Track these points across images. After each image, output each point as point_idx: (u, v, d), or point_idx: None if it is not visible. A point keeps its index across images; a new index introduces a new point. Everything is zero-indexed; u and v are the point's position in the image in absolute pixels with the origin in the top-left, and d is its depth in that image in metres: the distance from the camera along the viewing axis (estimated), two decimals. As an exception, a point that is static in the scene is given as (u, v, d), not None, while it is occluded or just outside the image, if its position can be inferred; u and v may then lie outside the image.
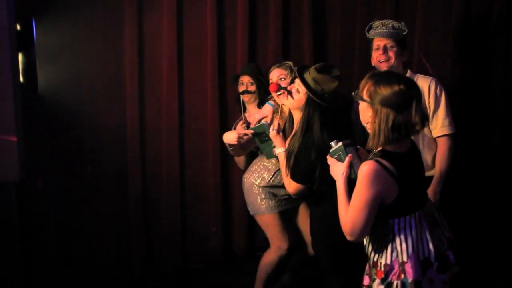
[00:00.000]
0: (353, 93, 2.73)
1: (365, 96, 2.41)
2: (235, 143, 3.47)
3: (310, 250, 3.77)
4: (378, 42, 3.54)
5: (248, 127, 3.76)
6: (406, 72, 3.61)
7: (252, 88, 3.94)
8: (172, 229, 4.60)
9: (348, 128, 3.23)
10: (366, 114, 2.44)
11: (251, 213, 3.76)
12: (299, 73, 3.07)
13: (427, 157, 3.59)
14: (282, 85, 3.29)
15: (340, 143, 2.54)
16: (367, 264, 2.64)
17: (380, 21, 3.57)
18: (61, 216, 4.24)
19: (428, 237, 2.48)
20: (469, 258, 3.01)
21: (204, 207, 4.67)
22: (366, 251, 2.59)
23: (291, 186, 3.16)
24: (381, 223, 2.47)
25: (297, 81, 3.09)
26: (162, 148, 4.52)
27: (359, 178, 2.36)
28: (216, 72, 4.50)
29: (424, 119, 2.38)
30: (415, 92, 2.38)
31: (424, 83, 3.57)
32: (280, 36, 4.57)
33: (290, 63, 3.52)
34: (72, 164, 4.30)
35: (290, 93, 3.13)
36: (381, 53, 3.52)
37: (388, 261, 2.49)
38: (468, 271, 2.84)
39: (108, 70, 4.37)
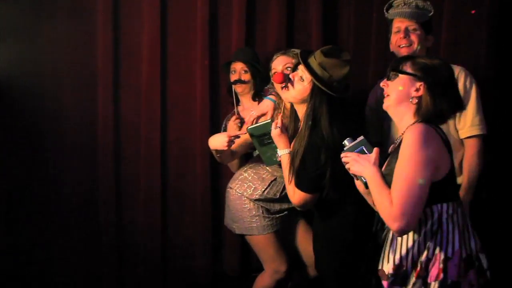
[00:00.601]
0: (387, 73, 2.48)
1: (409, 70, 2.35)
2: (225, 148, 3.21)
3: (312, 271, 3.58)
4: (399, 24, 3.35)
5: (242, 123, 3.55)
6: None
7: (246, 77, 3.67)
8: (151, 244, 4.26)
9: (361, 126, 3.12)
10: (406, 88, 2.35)
11: (237, 231, 3.54)
12: (303, 57, 2.87)
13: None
14: (291, 76, 3.01)
15: (362, 137, 2.40)
16: (388, 264, 2.44)
17: None
18: (13, 228, 4.01)
19: (470, 230, 2.38)
20: (500, 269, 2.79)
21: (189, 218, 4.29)
22: (390, 249, 2.42)
23: (296, 196, 2.93)
24: (424, 209, 2.29)
25: (301, 67, 2.88)
26: (140, 148, 4.19)
27: (406, 143, 2.22)
28: (206, 59, 4.15)
29: (458, 107, 2.36)
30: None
31: None
32: (284, 16, 4.20)
33: (298, 51, 3.17)
34: (29, 166, 4.06)
35: (291, 82, 2.91)
36: (402, 36, 3.31)
37: (430, 256, 2.34)
38: (500, 281, 2.68)
39: (76, 55, 4.09)
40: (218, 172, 4.28)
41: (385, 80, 2.46)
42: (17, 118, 3.98)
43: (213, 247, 4.34)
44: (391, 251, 2.43)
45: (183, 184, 4.30)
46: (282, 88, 3.08)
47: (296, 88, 2.91)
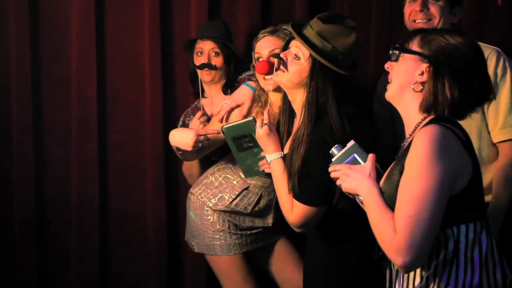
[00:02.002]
0: (390, 52, 2.29)
1: (414, 47, 2.19)
2: (190, 149, 3.05)
3: None
4: None
5: (208, 121, 3.40)
6: None
7: (218, 61, 3.44)
8: (88, 282, 3.91)
9: (372, 124, 3.06)
10: (410, 71, 2.19)
11: (196, 250, 3.41)
12: (295, 29, 2.74)
13: (486, 173, 3.11)
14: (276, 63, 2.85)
15: (352, 142, 2.29)
16: None
17: None
18: None
19: (497, 258, 2.16)
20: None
21: (137, 250, 3.97)
22: (398, 278, 2.26)
23: (296, 212, 2.73)
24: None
25: (294, 43, 2.76)
26: (71, 156, 3.87)
27: (415, 152, 2.04)
28: (158, 39, 3.84)
29: (483, 96, 2.18)
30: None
31: None
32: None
33: (289, 28, 2.97)
34: None
35: (284, 63, 2.76)
36: (418, 9, 3.11)
37: None
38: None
39: None
40: (176, 186, 4.00)
41: (388, 61, 2.30)
42: None
43: (169, 285, 4.01)
44: (397, 284, 2.27)
45: (129, 205, 3.99)
46: (264, 79, 2.99)
47: (291, 70, 2.73)
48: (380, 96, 3.31)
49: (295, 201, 2.75)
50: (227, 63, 3.44)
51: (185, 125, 3.59)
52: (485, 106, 3.11)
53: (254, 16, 3.81)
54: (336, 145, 2.34)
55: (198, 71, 3.45)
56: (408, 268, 2.05)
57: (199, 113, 3.41)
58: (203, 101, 3.53)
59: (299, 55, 2.72)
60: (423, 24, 3.13)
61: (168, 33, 3.87)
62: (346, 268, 2.77)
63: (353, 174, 2.23)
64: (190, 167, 3.65)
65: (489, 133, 3.14)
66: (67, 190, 3.89)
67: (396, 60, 2.27)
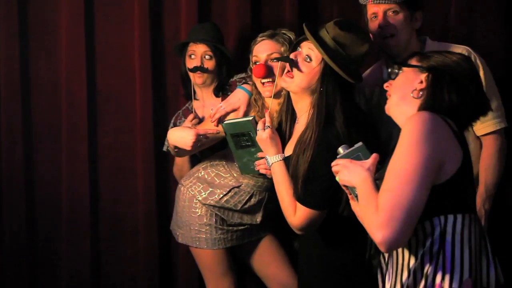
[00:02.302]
0: (389, 69, 2.36)
1: (413, 62, 2.27)
2: (189, 149, 3.07)
3: None
4: (375, 9, 3.15)
5: (200, 123, 3.40)
6: (424, 42, 3.24)
7: (210, 64, 3.42)
8: (79, 283, 3.92)
9: (377, 132, 2.88)
10: (409, 83, 2.23)
11: (180, 240, 3.42)
12: (311, 30, 2.70)
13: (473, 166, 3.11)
14: (278, 69, 2.87)
15: (360, 143, 2.29)
16: None
17: None
18: None
19: (491, 257, 2.18)
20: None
21: (128, 252, 3.96)
22: (387, 273, 2.27)
23: (299, 215, 2.73)
24: (421, 223, 2.10)
25: (306, 44, 2.72)
26: (61, 157, 3.88)
27: (404, 133, 2.08)
28: (147, 41, 3.83)
29: (480, 109, 2.24)
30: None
31: None
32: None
33: (290, 33, 3.06)
34: None
35: (295, 64, 2.70)
36: (382, 24, 3.10)
37: (429, 286, 2.11)
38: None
39: None
40: (167, 186, 3.97)
41: (389, 81, 2.36)
42: None
43: (161, 286, 4.00)
44: (387, 281, 2.27)
45: (120, 205, 3.99)
46: (262, 83, 2.97)
47: (302, 71, 2.72)
48: (367, 98, 3.31)
49: (299, 204, 2.75)
50: (219, 66, 3.44)
51: (176, 127, 3.54)
52: None
53: (244, 18, 3.80)
54: (343, 145, 2.36)
55: (190, 74, 3.44)
56: (388, 244, 2.03)
57: (191, 116, 3.40)
58: (194, 104, 3.54)
59: (311, 57, 2.71)
60: (390, 40, 3.13)
61: (158, 35, 3.87)
62: (342, 269, 2.78)
63: (352, 166, 2.24)
64: (181, 169, 3.65)
65: (472, 127, 3.16)
66: (57, 192, 3.89)
67: (395, 77, 2.31)
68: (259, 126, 2.84)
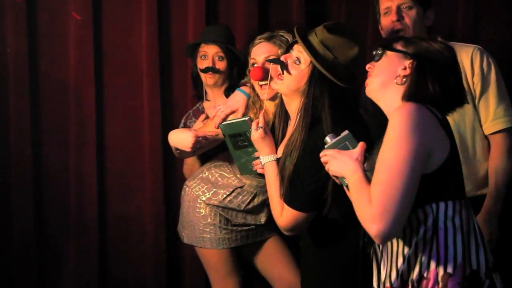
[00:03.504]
0: (373, 52, 2.38)
1: (398, 47, 2.29)
2: (189, 150, 3.08)
3: None
4: (388, 2, 3.15)
5: None
6: None
7: (222, 65, 3.44)
8: (86, 285, 3.91)
9: (365, 129, 2.85)
10: (392, 68, 2.26)
11: (186, 240, 3.44)
12: (300, 34, 2.72)
13: (480, 166, 3.20)
14: (271, 70, 2.85)
15: (346, 132, 2.32)
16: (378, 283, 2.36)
17: None
18: None
19: (479, 239, 2.20)
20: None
21: (136, 251, 3.98)
22: (382, 261, 2.30)
23: (285, 216, 2.73)
24: (414, 211, 2.13)
25: (297, 47, 2.75)
26: (69, 161, 3.88)
27: (391, 125, 2.11)
28: (155, 43, 3.86)
29: (458, 99, 2.27)
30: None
31: (465, 55, 3.20)
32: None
33: (287, 35, 3.05)
34: None
35: (285, 67, 2.74)
36: (395, 19, 3.11)
37: (424, 273, 2.14)
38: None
39: None
40: (175, 189, 3.96)
41: (371, 62, 2.38)
42: None
43: (168, 287, 4.04)
44: (382, 267, 2.31)
45: (128, 207, 4.01)
46: (260, 85, 2.97)
47: (291, 73, 2.74)
48: (365, 104, 3.31)
49: (285, 205, 2.76)
50: (231, 67, 3.45)
51: (187, 127, 3.56)
52: (476, 101, 3.18)
53: (252, 21, 3.83)
54: (330, 134, 2.37)
55: (202, 75, 3.46)
56: (382, 236, 2.05)
57: (202, 116, 3.39)
58: (205, 104, 3.55)
59: (300, 59, 2.73)
60: (402, 33, 3.14)
61: (165, 37, 3.89)
62: (338, 265, 2.76)
63: (341, 157, 2.26)
64: (191, 168, 3.65)
65: (481, 126, 3.19)
66: (65, 192, 3.89)
67: (379, 59, 2.33)
68: (253, 126, 2.85)
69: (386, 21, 3.16)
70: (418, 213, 2.17)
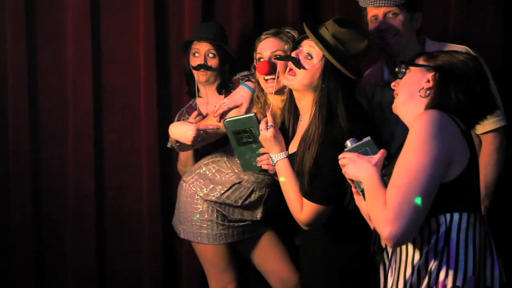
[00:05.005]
0: (396, 69, 2.36)
1: (420, 62, 2.27)
2: (189, 143, 3.06)
3: None
4: (375, 12, 3.13)
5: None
6: (423, 42, 3.22)
7: (214, 62, 3.44)
8: (83, 278, 3.92)
9: (376, 126, 2.85)
10: (416, 82, 2.24)
11: (182, 235, 3.44)
12: (311, 28, 2.70)
13: None
14: (280, 67, 2.86)
15: (368, 138, 2.28)
16: None
17: None
18: None
19: (495, 255, 2.17)
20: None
21: (133, 246, 3.98)
22: (390, 269, 2.26)
23: (306, 211, 2.71)
24: (426, 221, 2.09)
25: (307, 42, 2.73)
26: (68, 156, 3.90)
27: (412, 131, 2.09)
28: (152, 40, 3.84)
29: (487, 108, 2.23)
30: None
31: None
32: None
33: (293, 32, 3.04)
34: None
35: (297, 62, 2.70)
36: (382, 27, 3.08)
37: (432, 284, 2.10)
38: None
39: None
40: (171, 184, 3.95)
41: (396, 80, 2.36)
42: None
43: (164, 282, 4.01)
44: (389, 276, 2.27)
45: (125, 202, 4.01)
46: (266, 80, 2.96)
47: (306, 68, 2.72)
48: (369, 97, 3.30)
49: (305, 200, 2.75)
50: (223, 64, 3.45)
51: (178, 122, 3.57)
52: None
53: (247, 18, 3.81)
54: (351, 138, 2.36)
55: (194, 72, 3.46)
56: (395, 239, 2.04)
57: (194, 113, 3.37)
58: (198, 101, 3.55)
59: (312, 54, 2.71)
60: (390, 39, 3.12)
61: (162, 34, 3.88)
62: (346, 264, 2.78)
63: (359, 161, 2.24)
64: (185, 165, 3.65)
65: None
66: (63, 187, 3.90)
67: (403, 77, 2.33)
68: (262, 126, 2.83)
69: (374, 28, 3.17)
70: (430, 222, 2.16)
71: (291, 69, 2.75)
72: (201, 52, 3.45)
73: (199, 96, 3.55)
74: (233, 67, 3.47)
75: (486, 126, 3.12)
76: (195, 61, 3.45)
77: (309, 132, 2.72)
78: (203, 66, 3.42)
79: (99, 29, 3.87)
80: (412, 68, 2.30)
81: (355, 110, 2.71)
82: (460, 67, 2.23)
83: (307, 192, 2.71)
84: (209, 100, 3.50)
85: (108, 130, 3.93)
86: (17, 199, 3.88)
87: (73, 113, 3.86)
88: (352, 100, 2.74)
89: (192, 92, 3.56)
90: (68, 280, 3.94)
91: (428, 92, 2.24)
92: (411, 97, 2.29)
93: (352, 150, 2.32)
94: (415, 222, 2.03)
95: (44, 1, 3.83)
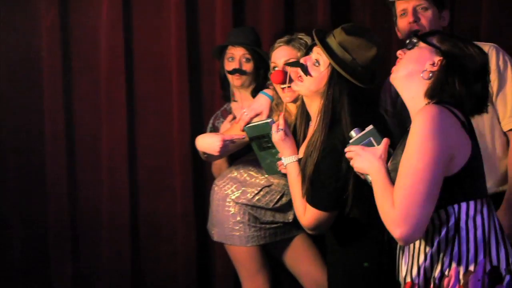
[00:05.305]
0: (407, 40, 2.34)
1: (434, 41, 2.24)
2: (217, 154, 3.09)
3: None
4: (404, 5, 3.11)
5: None
6: None
7: (248, 66, 3.43)
8: (119, 281, 3.94)
9: (386, 130, 2.83)
10: (422, 60, 2.23)
11: (216, 238, 3.44)
12: (319, 36, 2.73)
13: (500, 163, 3.15)
14: (291, 73, 2.86)
15: (371, 126, 2.32)
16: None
17: None
18: None
19: (500, 236, 2.18)
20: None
21: (167, 249, 3.99)
22: (404, 256, 2.29)
23: (308, 216, 2.74)
24: (436, 212, 2.13)
25: (316, 49, 2.75)
26: (102, 163, 3.93)
27: (414, 128, 2.09)
28: (184, 46, 3.85)
29: (479, 105, 2.23)
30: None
31: None
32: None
33: (306, 38, 3.04)
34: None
35: (305, 69, 2.74)
36: (411, 20, 3.08)
37: (445, 271, 2.14)
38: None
39: (18, 44, 3.83)
40: (204, 187, 3.94)
41: (403, 49, 2.33)
42: None
43: (198, 285, 4.02)
44: (403, 263, 2.31)
45: (159, 205, 4.02)
46: (282, 88, 2.97)
47: (312, 75, 2.74)
48: (384, 106, 3.32)
49: (308, 205, 2.77)
50: (257, 69, 3.44)
51: (215, 127, 3.60)
52: (494, 98, 3.14)
53: (277, 24, 3.81)
54: (355, 129, 2.38)
55: (229, 76, 3.45)
56: (405, 239, 2.09)
57: (229, 117, 3.43)
58: (232, 105, 3.55)
59: (319, 61, 2.73)
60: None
61: (194, 40, 3.89)
62: (363, 262, 2.76)
63: (365, 154, 2.27)
64: (219, 167, 3.65)
65: (499, 123, 3.16)
66: (98, 192, 3.92)
67: (411, 48, 2.31)
68: (273, 129, 2.86)
69: (403, 23, 3.15)
70: (440, 214, 2.18)
71: (300, 75, 2.76)
72: (236, 56, 3.44)
73: (234, 100, 3.55)
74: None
75: (510, 122, 3.10)
76: (230, 65, 3.45)
77: (313, 138, 2.75)
78: (238, 71, 3.41)
79: (131, 37, 3.88)
80: (422, 44, 2.28)
81: (362, 118, 2.66)
82: (468, 60, 2.22)
83: (308, 198, 2.74)
84: (243, 104, 3.47)
85: (141, 135, 3.94)
86: (54, 205, 3.88)
87: (106, 117, 3.87)
88: (361, 108, 2.73)
89: (227, 96, 3.57)
90: (104, 283, 3.94)
91: (430, 75, 2.24)
92: (411, 75, 2.28)
93: (356, 141, 2.35)
94: (423, 220, 2.06)
95: (78, 9, 3.85)
